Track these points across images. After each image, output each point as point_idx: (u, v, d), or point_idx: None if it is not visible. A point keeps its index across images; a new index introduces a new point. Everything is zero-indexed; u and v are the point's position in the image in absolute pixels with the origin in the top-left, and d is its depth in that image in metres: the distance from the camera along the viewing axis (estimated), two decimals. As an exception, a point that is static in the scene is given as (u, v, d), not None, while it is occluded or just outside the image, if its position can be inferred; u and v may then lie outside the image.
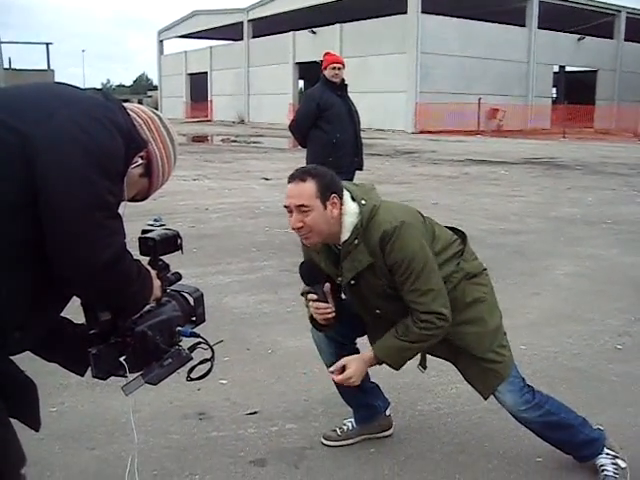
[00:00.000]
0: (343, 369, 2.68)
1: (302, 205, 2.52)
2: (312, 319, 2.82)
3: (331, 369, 2.73)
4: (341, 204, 2.59)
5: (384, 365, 3.62)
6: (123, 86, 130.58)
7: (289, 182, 2.59)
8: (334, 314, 2.73)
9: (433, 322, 2.55)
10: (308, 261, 2.81)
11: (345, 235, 2.60)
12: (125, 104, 1.77)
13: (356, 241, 2.59)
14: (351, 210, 2.60)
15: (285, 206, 2.59)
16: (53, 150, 1.50)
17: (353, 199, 2.62)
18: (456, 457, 3.02)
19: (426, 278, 2.55)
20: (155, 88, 76.88)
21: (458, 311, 2.69)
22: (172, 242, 1.91)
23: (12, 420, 1.72)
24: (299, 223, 2.55)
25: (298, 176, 2.56)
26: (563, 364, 4.11)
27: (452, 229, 2.90)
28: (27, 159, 1.48)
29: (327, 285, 2.72)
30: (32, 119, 1.53)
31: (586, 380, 3.88)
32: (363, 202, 2.61)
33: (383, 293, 2.64)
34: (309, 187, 2.52)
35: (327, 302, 2.72)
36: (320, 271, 2.74)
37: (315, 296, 2.71)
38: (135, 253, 1.71)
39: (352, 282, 2.66)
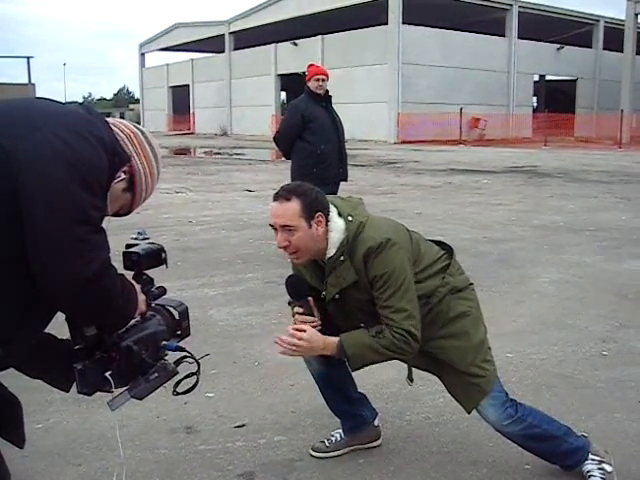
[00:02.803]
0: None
1: (287, 225, 2.53)
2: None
3: (290, 330, 2.61)
4: (327, 221, 2.59)
5: (372, 375, 3.62)
6: (105, 99, 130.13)
7: (274, 200, 2.58)
8: (320, 327, 2.73)
9: (405, 337, 2.55)
10: (294, 275, 2.81)
11: (331, 251, 2.60)
12: (108, 119, 1.77)
13: (342, 257, 2.59)
14: (338, 226, 2.60)
15: (270, 225, 2.59)
16: (36, 165, 1.49)
17: (340, 215, 2.63)
18: (445, 466, 3.02)
19: (401, 296, 2.55)
20: (137, 101, 76.80)
21: (443, 325, 2.70)
22: (156, 256, 1.90)
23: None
24: (285, 242, 2.55)
25: (283, 195, 2.56)
26: (549, 371, 4.13)
27: (439, 243, 2.91)
28: (11, 174, 1.48)
29: (310, 299, 2.72)
30: (15, 134, 1.52)
31: (572, 386, 3.89)
32: (350, 218, 2.61)
33: (367, 308, 2.65)
34: (293, 206, 2.52)
35: (313, 315, 2.72)
36: (306, 285, 2.74)
37: (301, 309, 2.71)
38: (119, 267, 1.70)
39: (336, 297, 2.67)
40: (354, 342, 2.59)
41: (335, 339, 2.60)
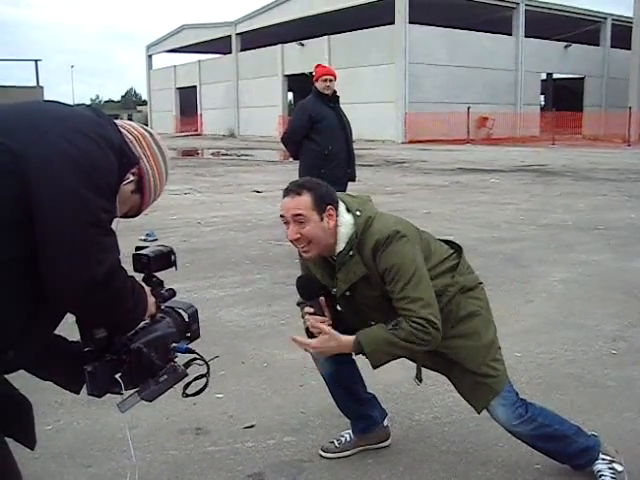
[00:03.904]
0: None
1: (299, 215, 2.52)
2: (308, 332, 2.81)
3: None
4: (336, 215, 2.59)
5: (381, 376, 3.61)
6: (112, 101, 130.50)
7: (284, 196, 2.58)
8: (330, 327, 2.72)
9: (424, 326, 2.49)
10: (304, 276, 2.81)
11: (340, 246, 2.60)
12: (116, 121, 1.77)
13: (351, 252, 2.59)
14: (346, 221, 2.60)
15: (281, 216, 2.59)
16: (46, 168, 1.50)
17: (348, 210, 2.63)
18: (455, 466, 3.01)
19: (415, 285, 2.52)
20: (144, 103, 77.00)
21: (453, 324, 2.69)
22: (166, 258, 1.90)
23: (7, 439, 1.71)
24: (296, 234, 2.55)
25: (293, 190, 2.56)
26: (558, 370, 4.12)
27: (448, 242, 2.91)
28: (20, 178, 1.48)
29: (322, 298, 2.71)
30: (25, 138, 1.53)
31: (582, 386, 3.88)
32: (358, 213, 2.62)
33: (377, 305, 2.64)
34: (305, 200, 2.53)
35: (324, 316, 2.71)
36: (317, 285, 2.73)
37: (312, 310, 2.70)
38: (129, 269, 1.70)
39: (347, 293, 2.67)
40: (371, 339, 2.55)
41: (351, 338, 2.57)
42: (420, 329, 2.50)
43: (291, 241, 2.60)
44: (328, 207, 2.56)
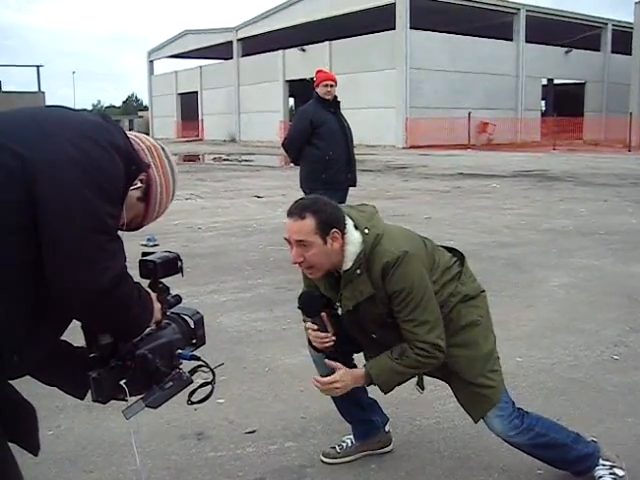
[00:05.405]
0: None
1: (301, 241, 2.50)
2: (311, 344, 2.81)
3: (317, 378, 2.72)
4: (343, 235, 2.55)
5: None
6: (114, 107, 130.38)
7: (288, 217, 2.55)
8: (333, 342, 2.73)
9: (428, 351, 2.55)
10: (307, 292, 2.79)
11: (347, 264, 2.57)
12: (130, 132, 1.77)
13: (358, 271, 2.56)
14: (354, 239, 2.56)
15: (285, 238, 2.58)
16: (52, 173, 1.50)
17: (356, 228, 2.60)
18: (456, 471, 3.01)
19: (423, 309, 2.54)
20: (145, 108, 77.01)
21: (452, 334, 2.68)
22: (173, 265, 1.90)
23: (10, 444, 1.71)
24: (300, 258, 2.53)
25: (297, 213, 2.52)
26: (560, 375, 4.12)
27: (451, 250, 2.90)
28: (27, 182, 1.48)
29: (324, 314, 2.70)
30: (31, 142, 1.53)
31: (583, 391, 3.88)
32: (366, 231, 2.58)
33: (381, 321, 2.64)
34: (308, 224, 2.49)
35: (327, 331, 2.71)
36: (320, 302, 2.72)
37: (315, 326, 2.70)
38: (135, 274, 1.71)
39: (350, 308, 2.65)
40: (380, 370, 2.63)
41: (361, 371, 2.66)
42: (424, 354, 2.56)
43: (295, 263, 2.59)
44: (333, 230, 2.52)
